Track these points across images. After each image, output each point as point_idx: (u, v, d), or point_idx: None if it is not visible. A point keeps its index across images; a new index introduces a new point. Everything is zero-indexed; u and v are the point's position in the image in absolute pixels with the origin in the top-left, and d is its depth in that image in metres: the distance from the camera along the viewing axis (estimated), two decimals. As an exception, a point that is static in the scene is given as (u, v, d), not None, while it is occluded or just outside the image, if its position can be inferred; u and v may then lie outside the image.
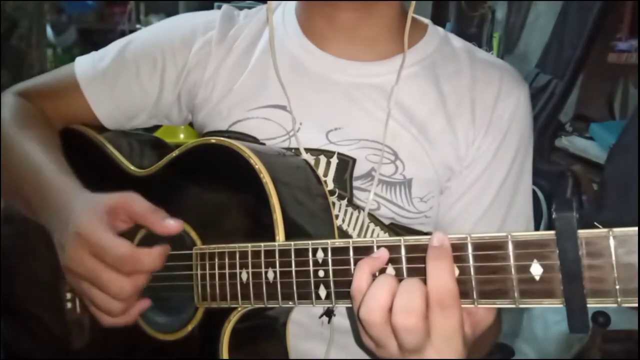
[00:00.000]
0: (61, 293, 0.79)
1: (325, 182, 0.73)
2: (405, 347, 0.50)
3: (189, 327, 0.67)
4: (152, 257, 0.61)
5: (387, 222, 0.75)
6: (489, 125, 0.76)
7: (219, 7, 0.86)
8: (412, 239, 0.51)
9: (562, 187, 2.06)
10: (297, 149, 0.74)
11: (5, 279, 0.84)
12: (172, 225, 0.62)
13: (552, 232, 0.45)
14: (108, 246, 0.60)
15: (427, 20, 0.83)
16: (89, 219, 0.62)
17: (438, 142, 0.75)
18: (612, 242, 0.43)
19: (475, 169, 0.76)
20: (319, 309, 0.74)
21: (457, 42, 0.82)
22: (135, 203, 0.63)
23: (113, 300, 0.62)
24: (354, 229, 0.74)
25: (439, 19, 3.08)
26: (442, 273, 0.48)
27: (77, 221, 0.62)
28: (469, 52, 0.80)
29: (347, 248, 0.53)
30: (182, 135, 2.04)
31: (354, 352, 0.76)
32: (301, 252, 0.57)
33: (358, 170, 0.74)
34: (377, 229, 0.75)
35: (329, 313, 0.74)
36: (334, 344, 0.76)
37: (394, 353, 0.51)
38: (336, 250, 0.54)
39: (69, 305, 0.78)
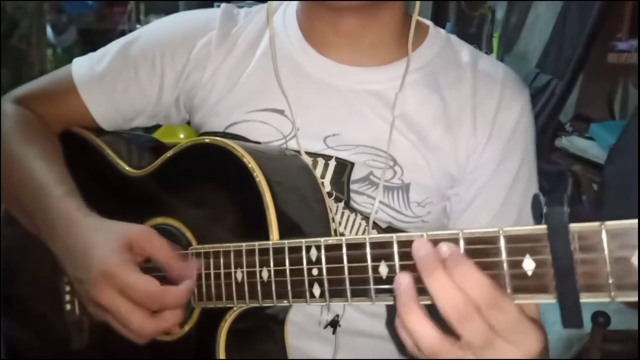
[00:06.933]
0: (61, 294, 0.79)
1: (323, 184, 0.73)
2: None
3: (186, 328, 0.67)
4: (178, 294, 0.63)
5: (384, 225, 0.75)
6: (491, 132, 0.75)
7: (219, 7, 0.84)
8: (404, 236, 0.50)
9: (560, 186, 2.05)
10: (296, 151, 0.74)
11: (6, 280, 0.84)
12: (190, 266, 0.64)
13: (544, 226, 0.44)
14: (136, 285, 0.61)
15: (428, 22, 0.81)
16: (114, 257, 0.63)
17: (437, 150, 0.74)
18: (604, 235, 0.42)
19: (481, 176, 0.76)
20: (316, 308, 0.74)
21: (459, 46, 0.80)
22: (155, 242, 0.65)
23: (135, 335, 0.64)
24: (350, 231, 0.74)
25: (439, 19, 3.07)
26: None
27: (101, 259, 0.63)
28: (471, 57, 0.79)
29: (340, 245, 0.53)
30: (182, 135, 2.04)
31: (356, 352, 0.77)
32: (295, 250, 0.57)
33: (356, 174, 0.74)
34: (374, 232, 0.74)
35: (334, 324, 0.74)
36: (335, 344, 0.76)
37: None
38: (329, 248, 0.54)
39: (68, 306, 0.78)
